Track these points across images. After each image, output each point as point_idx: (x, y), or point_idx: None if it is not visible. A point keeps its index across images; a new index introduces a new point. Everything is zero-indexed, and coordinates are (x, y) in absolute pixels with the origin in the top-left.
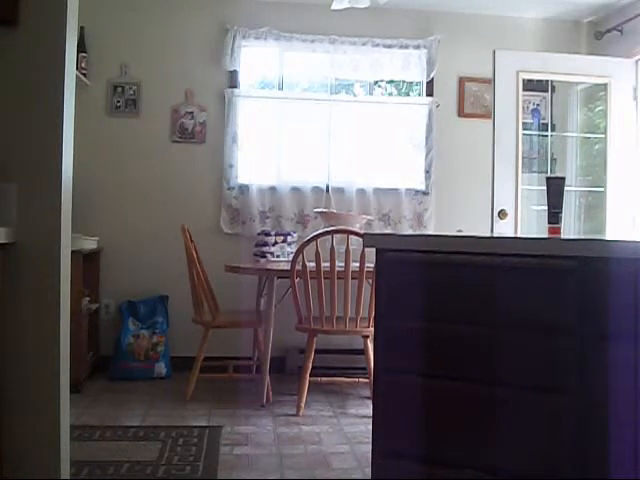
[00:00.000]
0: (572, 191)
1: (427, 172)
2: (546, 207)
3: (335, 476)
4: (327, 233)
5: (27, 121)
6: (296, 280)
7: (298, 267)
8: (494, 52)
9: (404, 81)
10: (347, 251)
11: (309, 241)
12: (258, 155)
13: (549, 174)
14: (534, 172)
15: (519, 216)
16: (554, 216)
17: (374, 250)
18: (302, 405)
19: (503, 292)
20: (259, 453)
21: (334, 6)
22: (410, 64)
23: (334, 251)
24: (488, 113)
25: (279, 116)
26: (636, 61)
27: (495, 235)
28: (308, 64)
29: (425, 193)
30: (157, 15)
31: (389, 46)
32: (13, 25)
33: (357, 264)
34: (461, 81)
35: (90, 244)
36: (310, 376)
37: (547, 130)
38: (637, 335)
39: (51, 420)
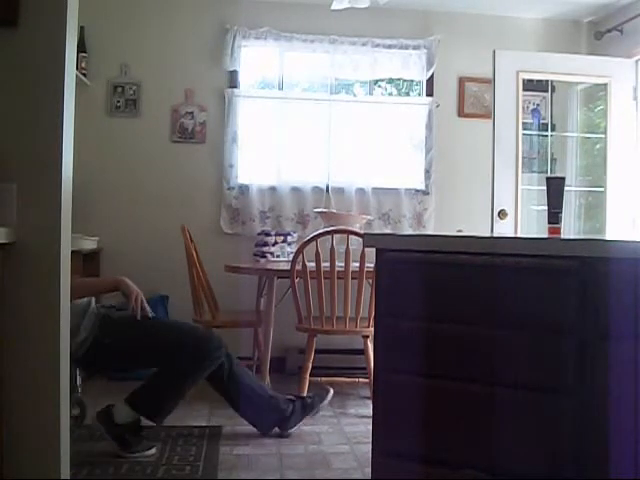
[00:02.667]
0: (572, 191)
1: (427, 172)
2: (546, 207)
3: (335, 476)
4: (327, 233)
5: (27, 121)
6: (296, 280)
7: (298, 267)
8: (494, 52)
9: (404, 81)
10: (347, 251)
11: (309, 241)
12: (258, 155)
13: (549, 174)
14: (534, 172)
15: (519, 216)
16: (554, 216)
17: (374, 250)
18: None
19: (503, 292)
20: (259, 453)
21: (334, 6)
22: (410, 64)
23: (334, 251)
24: (488, 113)
25: (279, 116)
26: (636, 61)
27: (495, 235)
28: (308, 64)
29: (425, 193)
30: (157, 15)
31: (389, 46)
32: (13, 25)
33: (357, 264)
34: (461, 81)
35: (90, 244)
36: (310, 376)
37: (547, 130)
38: (637, 335)
39: (51, 420)
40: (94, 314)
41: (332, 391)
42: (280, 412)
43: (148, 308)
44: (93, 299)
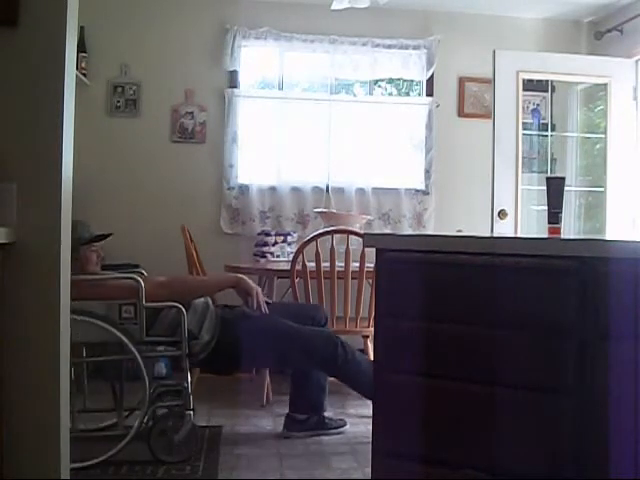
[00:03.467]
0: (572, 191)
1: (427, 172)
2: (546, 207)
3: (335, 476)
4: (327, 233)
5: (27, 121)
6: (296, 280)
7: (298, 267)
8: (494, 52)
9: (404, 81)
10: (347, 251)
11: (309, 241)
12: (258, 155)
13: (549, 174)
14: (534, 172)
15: (519, 216)
16: (554, 216)
17: (374, 250)
18: None
19: (503, 292)
20: (259, 453)
21: (334, 6)
22: (410, 64)
23: (334, 251)
24: (488, 113)
25: (279, 116)
26: (636, 61)
27: (495, 235)
28: (308, 64)
29: (425, 193)
30: (157, 15)
31: (389, 46)
32: (13, 25)
33: (357, 264)
34: (461, 81)
35: None
36: None
37: (547, 130)
38: (637, 335)
39: (51, 420)
40: (214, 315)
41: (348, 425)
42: (315, 407)
43: (264, 305)
44: (209, 299)
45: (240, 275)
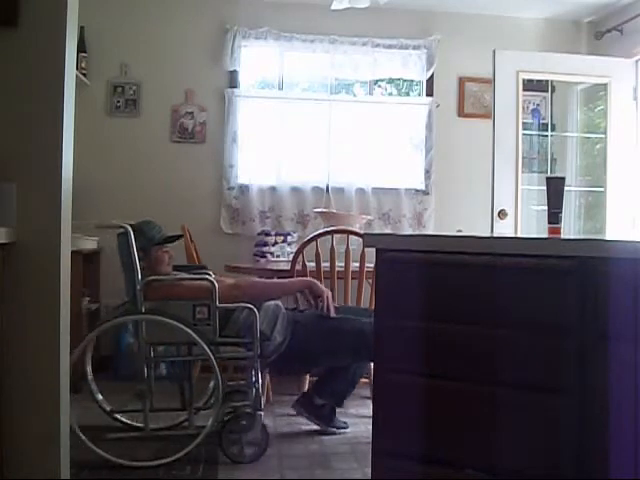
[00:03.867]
0: (572, 191)
1: (427, 172)
2: (546, 207)
3: (335, 476)
4: (327, 233)
5: (27, 121)
6: None
7: (298, 267)
8: (494, 52)
9: (404, 81)
10: (347, 251)
11: (309, 241)
12: (258, 155)
13: (549, 174)
14: (534, 172)
15: (519, 216)
16: (554, 216)
17: (374, 250)
18: None
19: (503, 292)
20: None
21: (334, 6)
22: (410, 64)
23: (334, 251)
24: (488, 113)
25: (279, 116)
26: (636, 61)
27: (495, 235)
28: (308, 64)
29: (425, 193)
30: (157, 15)
31: (389, 46)
32: (13, 25)
33: (357, 264)
34: (461, 81)
35: (90, 244)
36: (310, 376)
37: (547, 130)
38: (637, 335)
39: (51, 420)
40: (286, 317)
41: (349, 429)
42: (337, 398)
43: (334, 308)
44: (280, 302)
45: (311, 279)
